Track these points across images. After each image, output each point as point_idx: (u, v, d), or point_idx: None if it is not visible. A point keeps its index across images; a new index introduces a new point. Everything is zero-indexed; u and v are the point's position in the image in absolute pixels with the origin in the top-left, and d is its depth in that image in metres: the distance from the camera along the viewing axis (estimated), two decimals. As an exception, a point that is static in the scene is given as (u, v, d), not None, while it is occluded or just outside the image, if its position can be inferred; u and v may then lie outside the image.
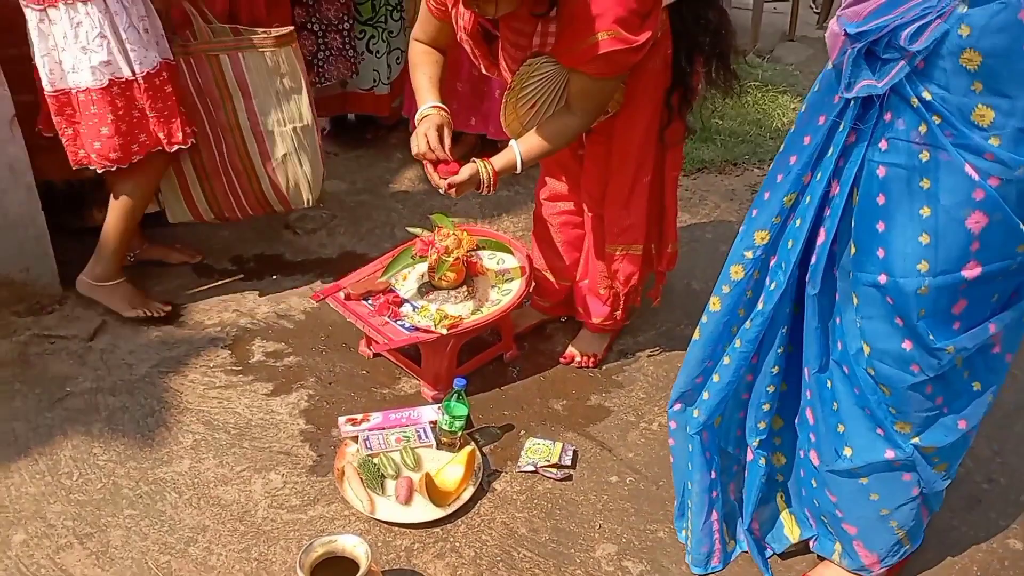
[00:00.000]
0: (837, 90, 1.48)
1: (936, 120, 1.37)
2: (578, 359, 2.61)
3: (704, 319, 1.82)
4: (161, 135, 2.41)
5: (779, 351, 1.72)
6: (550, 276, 2.63)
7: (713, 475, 1.89)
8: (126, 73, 2.31)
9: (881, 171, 1.46)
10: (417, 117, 2.20)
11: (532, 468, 2.23)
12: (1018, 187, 1.38)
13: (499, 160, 2.18)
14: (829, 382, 1.69)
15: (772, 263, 1.68)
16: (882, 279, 1.50)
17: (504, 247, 2.61)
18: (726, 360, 1.76)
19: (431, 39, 2.24)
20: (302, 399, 2.42)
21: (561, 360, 2.61)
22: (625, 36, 1.92)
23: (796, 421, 1.83)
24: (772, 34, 5.12)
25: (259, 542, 2.02)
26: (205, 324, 2.69)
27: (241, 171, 2.65)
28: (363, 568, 1.76)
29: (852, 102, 1.46)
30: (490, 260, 2.57)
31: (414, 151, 2.16)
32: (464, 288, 2.43)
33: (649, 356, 2.66)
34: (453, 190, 2.15)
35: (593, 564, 2.02)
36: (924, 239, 1.44)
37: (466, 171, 2.14)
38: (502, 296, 2.44)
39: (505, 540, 2.06)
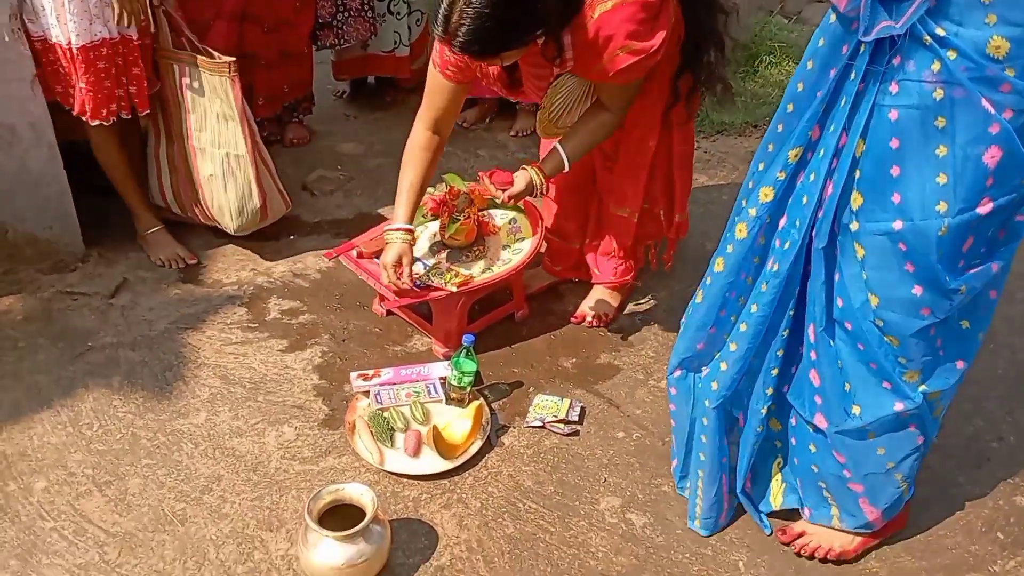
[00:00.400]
0: (845, 41, 1.47)
1: (951, 55, 1.36)
2: (589, 319, 2.62)
3: (708, 280, 1.81)
4: (87, 106, 2.48)
5: (790, 313, 1.71)
6: (561, 239, 2.64)
7: (726, 445, 1.90)
8: (60, 39, 2.39)
9: (893, 114, 1.44)
10: (386, 230, 2.28)
11: (540, 423, 2.26)
12: None
13: (548, 164, 2.27)
14: (831, 341, 1.68)
15: (782, 222, 1.66)
16: (897, 225, 1.49)
17: (516, 207, 2.61)
18: (743, 327, 1.74)
19: (438, 117, 2.26)
20: (316, 355, 2.47)
21: (572, 320, 2.63)
22: (640, 47, 1.97)
23: (787, 388, 1.82)
24: (799, -6, 5.01)
25: (271, 491, 2.07)
26: (223, 282, 2.74)
27: (187, 178, 2.72)
28: (369, 514, 1.80)
29: (862, 49, 1.44)
30: (502, 220, 2.59)
31: (384, 282, 2.29)
32: (475, 247, 2.45)
33: (661, 316, 2.67)
34: (512, 200, 2.26)
35: (597, 516, 2.05)
36: (942, 179, 1.43)
37: (520, 181, 2.25)
38: (513, 255, 2.46)
39: (511, 492, 2.09)
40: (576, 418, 2.28)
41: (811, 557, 1.94)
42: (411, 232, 2.26)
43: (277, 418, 2.27)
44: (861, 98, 1.48)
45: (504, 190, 2.25)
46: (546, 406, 2.29)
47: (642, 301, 2.72)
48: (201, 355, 2.45)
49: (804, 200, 1.60)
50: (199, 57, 2.57)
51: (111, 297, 2.64)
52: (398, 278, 2.24)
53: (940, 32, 1.36)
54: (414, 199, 2.28)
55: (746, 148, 3.59)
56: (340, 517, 1.85)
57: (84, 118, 2.49)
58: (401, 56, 3.56)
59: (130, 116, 2.59)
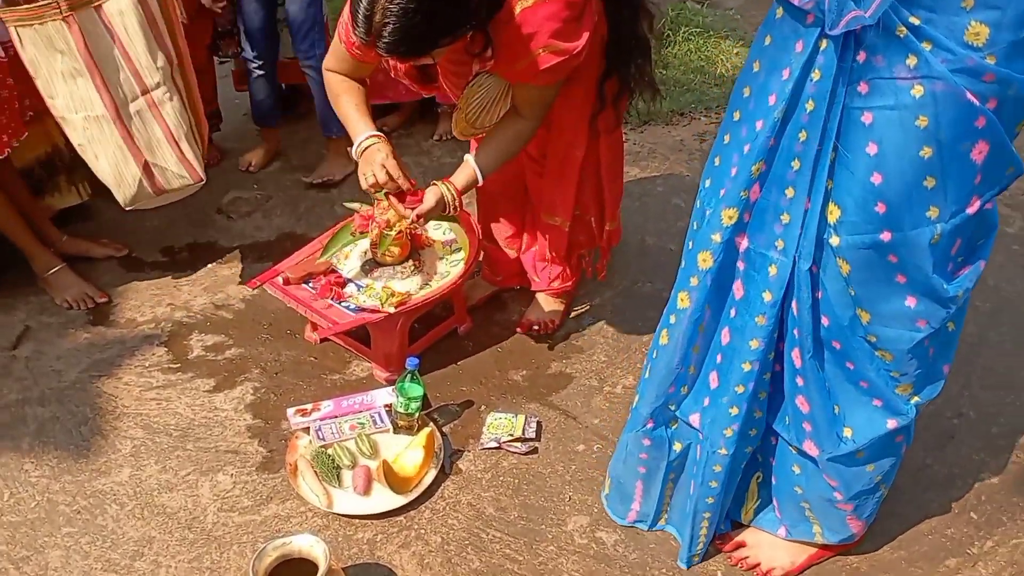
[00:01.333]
0: (798, 37, 1.37)
1: (927, 47, 1.25)
2: (535, 326, 2.51)
3: (672, 319, 1.69)
4: None
5: (775, 336, 1.60)
6: (499, 246, 2.52)
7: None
8: None
9: (867, 118, 1.34)
10: (357, 148, 2.07)
11: (495, 444, 2.13)
12: (1010, 107, 1.28)
13: (459, 179, 2.12)
14: (820, 366, 1.59)
15: (744, 243, 1.54)
16: (885, 237, 1.39)
17: (449, 216, 2.47)
18: (746, 366, 1.61)
19: (348, 73, 2.08)
20: (247, 393, 2.29)
21: (517, 329, 2.51)
22: (564, 47, 1.84)
23: (775, 417, 1.73)
24: (709, -21, 5.01)
25: (210, 549, 1.89)
26: (138, 321, 2.52)
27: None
28: (322, 568, 1.65)
29: (824, 45, 1.33)
30: (435, 231, 2.45)
31: (369, 182, 2.04)
32: (410, 262, 2.31)
33: (609, 316, 2.57)
34: (421, 219, 2.11)
35: (566, 538, 1.93)
36: (929, 183, 1.33)
37: (431, 197, 2.09)
38: (451, 267, 2.32)
39: (473, 522, 1.96)
40: (533, 434, 2.16)
41: (750, 569, 1.86)
42: (383, 137, 2.06)
43: (210, 466, 2.08)
44: (830, 101, 1.36)
45: (413, 208, 2.11)
46: (500, 425, 2.17)
47: (587, 303, 2.62)
48: (119, 404, 2.24)
49: (785, 219, 1.48)
50: (16, 10, 2.09)
51: (13, 348, 2.40)
52: (398, 175, 2.03)
53: (915, 21, 1.25)
54: (366, 112, 2.08)
55: (674, 137, 3.53)
56: (291, 573, 1.69)
57: None
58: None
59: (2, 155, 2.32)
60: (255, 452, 2.12)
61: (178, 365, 2.37)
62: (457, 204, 2.13)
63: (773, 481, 1.83)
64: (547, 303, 2.53)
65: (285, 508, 1.98)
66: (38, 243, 2.55)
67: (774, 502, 1.86)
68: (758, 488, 1.90)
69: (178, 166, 2.35)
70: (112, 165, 2.30)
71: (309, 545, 1.69)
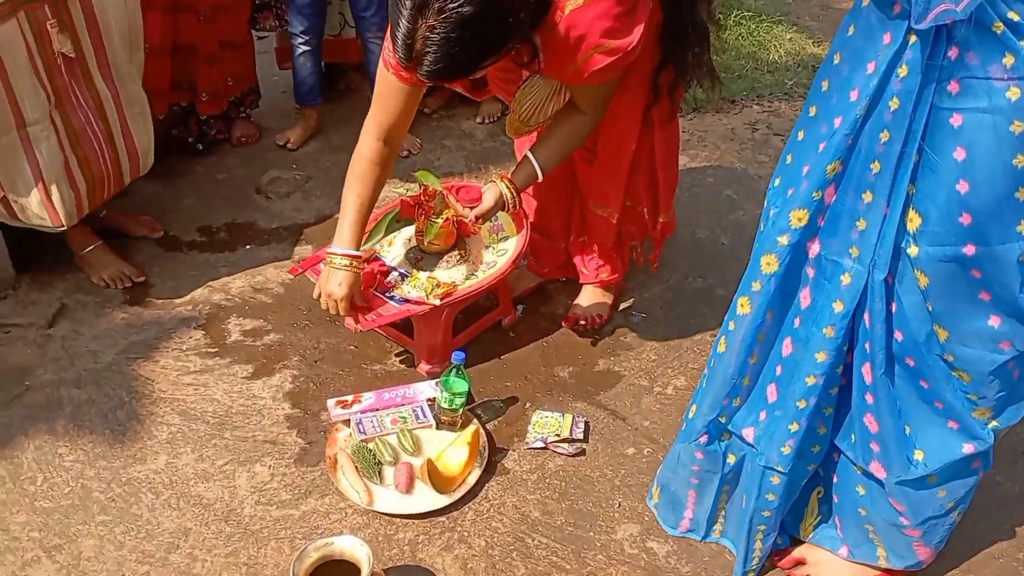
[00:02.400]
0: (886, 28, 1.26)
1: None
2: (582, 320, 2.42)
3: (730, 325, 1.59)
4: None
5: (844, 349, 1.50)
6: (546, 236, 2.43)
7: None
8: None
9: (956, 120, 1.23)
10: (329, 254, 2.01)
11: (541, 444, 2.05)
12: None
13: (519, 176, 2.05)
14: (892, 383, 1.48)
15: (815, 248, 1.44)
16: (968, 250, 1.28)
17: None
18: (810, 380, 1.51)
19: (392, 125, 1.98)
20: (286, 381, 2.22)
21: (564, 323, 2.42)
22: (616, 45, 1.74)
23: (838, 433, 1.63)
24: (761, -39, 4.84)
25: (247, 544, 1.83)
26: (175, 303, 2.46)
27: None
28: (365, 573, 1.58)
29: (913, 39, 1.22)
30: (482, 218, 2.36)
31: (322, 306, 2.04)
32: (456, 251, 2.23)
33: (659, 313, 2.48)
34: (480, 220, 2.05)
35: (615, 547, 1.85)
36: (1022, 195, 1.23)
37: (489, 197, 2.03)
38: (498, 257, 2.24)
39: (518, 526, 1.89)
40: (581, 435, 2.08)
41: None
42: (359, 259, 2.01)
43: (248, 456, 2.02)
44: (916, 99, 1.26)
45: (472, 207, 2.03)
46: (546, 424, 2.09)
47: (636, 298, 2.52)
48: (156, 388, 2.18)
49: (861, 225, 1.37)
50: None
51: (49, 327, 2.35)
52: (337, 310, 2.02)
53: (1014, 17, 1.15)
54: (362, 220, 2.02)
55: (725, 125, 3.40)
56: (330, 573, 1.63)
57: None
58: (348, 38, 3.28)
59: None
60: (294, 443, 2.06)
61: (216, 349, 2.31)
62: (517, 202, 2.05)
63: (835, 499, 1.73)
64: (594, 296, 2.44)
65: (324, 503, 1.92)
66: None
67: (835, 519, 1.76)
68: (818, 503, 1.80)
69: (40, 207, 2.19)
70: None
71: (352, 548, 1.62)
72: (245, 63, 3.07)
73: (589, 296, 2.45)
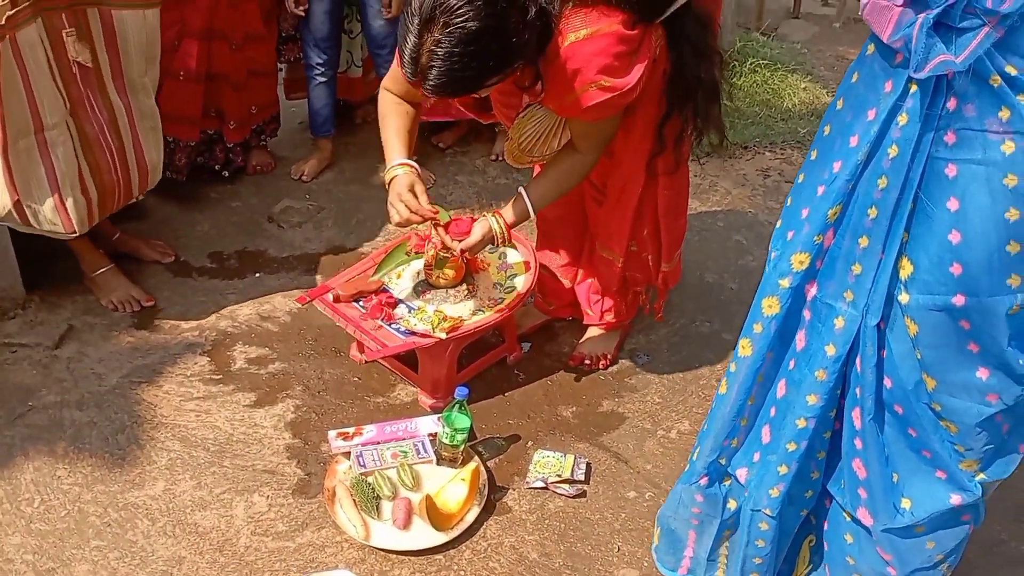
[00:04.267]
0: (887, 76, 1.27)
1: (1023, 100, 1.16)
2: (587, 360, 2.41)
3: (732, 367, 1.58)
4: None
5: (837, 393, 1.50)
6: (554, 274, 2.43)
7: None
8: None
9: (951, 170, 1.23)
10: (385, 177, 2.01)
11: (542, 484, 2.03)
12: None
13: (510, 212, 2.04)
14: (881, 430, 1.47)
15: (812, 291, 1.44)
16: (958, 301, 1.28)
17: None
18: (800, 423, 1.50)
19: (403, 94, 2.01)
20: (288, 410, 2.21)
21: (569, 362, 2.42)
22: (613, 84, 1.75)
23: (824, 473, 1.61)
24: (776, 11, 4.90)
25: (241, 574, 1.81)
26: (182, 328, 2.47)
27: None
28: (358, 609, 1.56)
29: (914, 88, 1.23)
30: (491, 254, 2.36)
31: (394, 221, 1.98)
32: (464, 286, 2.23)
33: (664, 356, 2.47)
34: (467, 253, 2.06)
35: (613, 592, 1.83)
36: (1013, 248, 1.22)
37: (478, 231, 2.03)
38: (505, 294, 2.24)
39: (515, 567, 1.86)
40: (582, 477, 2.06)
41: None
42: (414, 165, 1.98)
43: (246, 486, 2.01)
44: (915, 147, 1.26)
45: (460, 240, 2.03)
46: (548, 463, 2.07)
47: (642, 340, 2.51)
48: (158, 413, 2.18)
49: (856, 269, 1.37)
50: None
51: (55, 348, 2.36)
52: (417, 207, 1.95)
53: (1011, 71, 1.16)
54: (406, 140, 2.00)
55: (737, 171, 3.42)
56: (323, 608, 1.61)
57: None
58: (353, 77, 3.33)
59: None
60: (292, 474, 2.05)
61: (220, 376, 2.31)
62: (505, 238, 2.04)
63: (825, 547, 1.71)
64: (600, 338, 2.44)
65: (320, 536, 1.90)
66: (88, 242, 2.51)
67: (825, 568, 1.73)
68: (810, 553, 1.77)
69: (53, 213, 2.20)
70: None
71: (346, 583, 1.60)
72: (269, 91, 3.11)
73: (595, 337, 2.44)
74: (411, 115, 2.03)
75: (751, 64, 4.07)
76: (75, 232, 2.26)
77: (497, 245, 2.07)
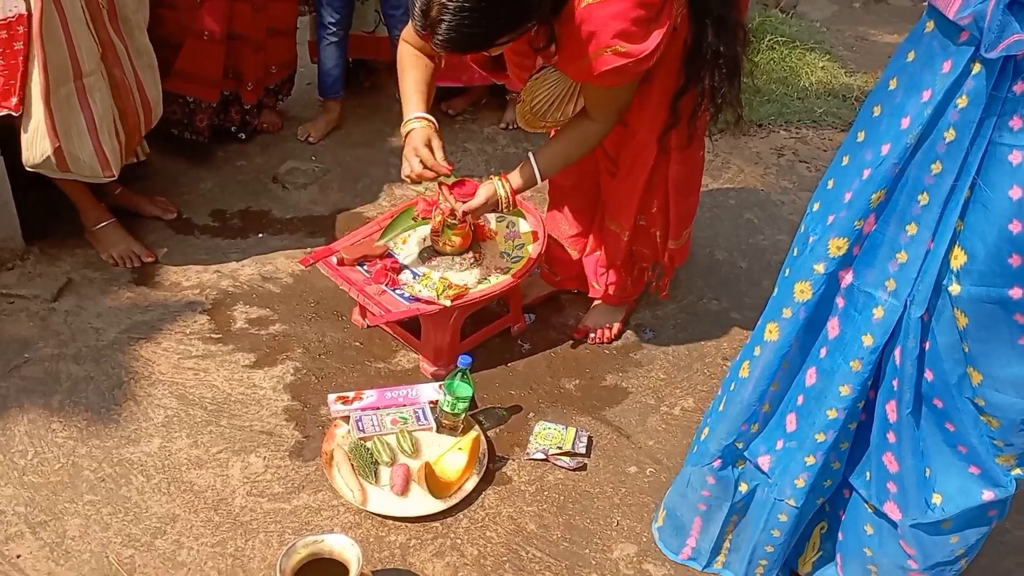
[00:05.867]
0: (947, 56, 1.21)
1: None
2: (592, 334, 2.37)
3: (756, 351, 1.53)
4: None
5: (868, 384, 1.45)
6: (562, 245, 2.39)
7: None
8: None
9: (1016, 157, 1.17)
10: (402, 129, 1.96)
11: (542, 455, 2.01)
12: None
13: (517, 177, 1.99)
14: (918, 424, 1.43)
15: (848, 278, 1.39)
16: (1015, 293, 1.23)
17: (516, 209, 2.35)
18: (832, 413, 1.46)
19: (421, 47, 1.95)
20: (287, 372, 2.18)
21: (574, 335, 2.38)
22: (629, 50, 1.69)
23: (852, 469, 1.58)
24: (795, -12, 4.82)
25: (236, 535, 1.79)
26: (182, 286, 2.43)
27: None
28: (353, 573, 1.54)
29: (977, 69, 1.17)
30: (499, 223, 2.32)
31: (406, 172, 1.93)
32: (470, 254, 2.19)
33: (670, 332, 2.43)
34: (469, 216, 2.01)
35: (610, 566, 1.80)
36: None
37: (482, 194, 1.98)
38: (512, 263, 2.20)
39: (512, 537, 1.84)
40: (583, 450, 2.03)
41: None
42: (431, 119, 1.94)
43: (243, 446, 1.98)
44: (975, 132, 1.20)
45: (464, 201, 1.99)
46: (549, 435, 2.04)
47: (648, 314, 2.48)
48: (156, 370, 2.15)
49: (902, 258, 1.32)
50: None
51: (53, 301, 2.32)
52: (433, 163, 1.91)
53: None
54: (424, 93, 1.96)
55: (751, 149, 3.36)
56: (318, 571, 1.58)
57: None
58: (382, 36, 3.26)
59: None
60: (290, 436, 2.02)
61: (219, 336, 2.28)
62: (510, 203, 2.00)
63: (840, 536, 1.68)
64: (606, 311, 2.40)
65: (316, 499, 1.88)
66: (90, 195, 2.47)
67: (837, 557, 1.71)
68: (821, 539, 1.74)
69: (92, 158, 2.22)
70: (33, 132, 2.15)
71: (342, 547, 1.58)
72: (288, 50, 3.06)
73: (601, 310, 2.40)
74: (429, 68, 1.98)
75: (769, 41, 4.00)
76: (113, 176, 2.30)
77: (501, 210, 2.03)
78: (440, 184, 2.00)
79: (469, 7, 1.56)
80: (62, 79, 2.12)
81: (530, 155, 1.99)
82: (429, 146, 1.91)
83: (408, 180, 1.94)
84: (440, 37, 1.61)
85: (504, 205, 2.01)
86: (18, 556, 1.71)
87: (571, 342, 2.36)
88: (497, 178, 2.00)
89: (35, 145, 2.16)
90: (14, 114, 2.11)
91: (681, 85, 1.91)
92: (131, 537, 1.77)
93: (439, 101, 3.30)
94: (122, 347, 2.21)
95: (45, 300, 2.32)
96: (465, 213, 2.00)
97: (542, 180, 2.01)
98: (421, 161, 1.90)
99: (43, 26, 2.03)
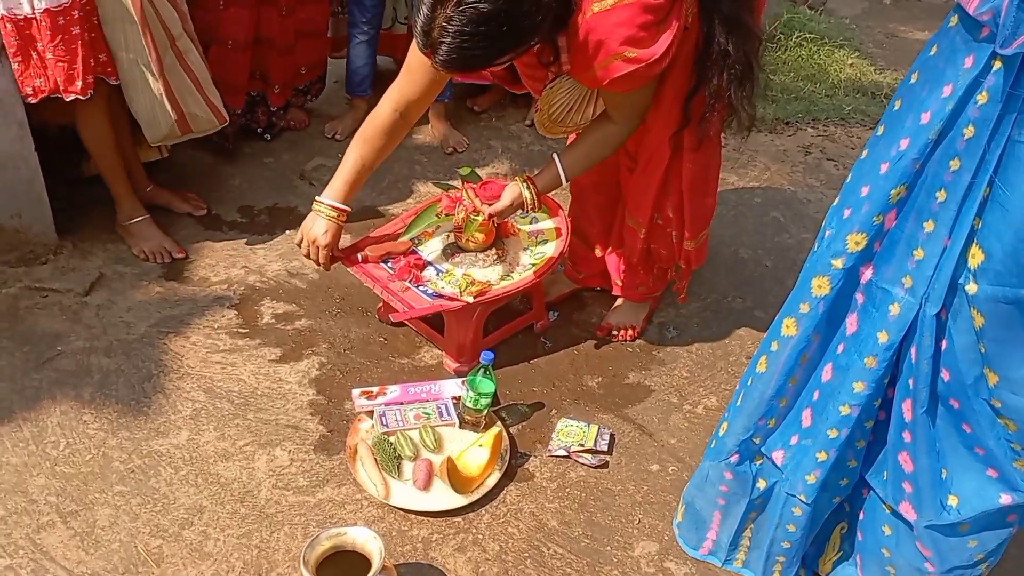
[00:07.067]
0: (969, 51, 1.20)
1: None
2: (615, 331, 2.37)
3: (773, 346, 1.53)
4: (59, 80, 2.17)
5: (884, 381, 1.45)
6: (585, 242, 2.39)
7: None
8: (25, 10, 2.09)
9: None
10: (315, 204, 2.08)
11: (564, 452, 2.01)
12: None
13: (542, 179, 2.03)
14: (933, 423, 1.42)
15: (867, 274, 1.39)
16: None
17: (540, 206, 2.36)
18: (845, 409, 1.46)
19: (412, 100, 1.98)
20: (313, 367, 2.21)
21: (597, 332, 2.38)
22: (639, 55, 1.69)
23: (869, 468, 1.57)
24: (825, -15, 4.78)
25: (261, 527, 1.82)
26: (211, 281, 2.47)
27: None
28: (375, 566, 1.55)
29: (997, 65, 1.16)
30: (522, 220, 2.33)
31: (299, 248, 2.13)
32: (493, 251, 2.20)
33: (694, 330, 2.43)
34: (494, 219, 2.06)
35: (631, 564, 1.81)
36: None
37: (507, 196, 2.02)
38: (535, 260, 2.20)
39: (534, 534, 1.85)
40: (605, 447, 2.04)
41: None
42: (344, 213, 2.06)
43: (269, 439, 2.01)
44: (993, 129, 1.19)
45: (490, 204, 2.01)
46: (571, 432, 2.05)
47: (672, 312, 2.47)
48: (184, 364, 2.19)
49: (918, 254, 1.31)
50: None
51: (85, 295, 2.37)
52: (317, 257, 2.08)
53: None
54: (357, 179, 2.06)
55: (777, 146, 3.34)
56: (341, 563, 1.60)
57: (60, 95, 2.20)
58: (398, 35, 3.28)
59: (111, 82, 2.29)
60: (315, 430, 2.04)
61: (246, 330, 2.31)
62: (535, 204, 2.03)
63: (859, 536, 1.67)
64: (629, 309, 2.40)
65: (340, 493, 1.90)
66: (130, 189, 2.51)
67: (856, 558, 1.70)
68: (840, 539, 1.73)
69: (207, 112, 2.47)
70: (148, 108, 2.34)
71: (364, 540, 1.60)
72: (319, 51, 3.09)
73: (624, 308, 2.40)
74: (384, 152, 2.07)
75: (797, 38, 3.98)
76: (226, 121, 2.55)
77: (527, 211, 2.05)
78: (465, 188, 2.02)
79: (469, 32, 1.58)
80: (163, 48, 2.30)
81: (554, 156, 2.00)
82: (330, 245, 2.07)
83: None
84: (441, 58, 1.64)
85: (529, 207, 2.03)
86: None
87: (594, 340, 2.37)
88: (521, 180, 2.01)
89: (158, 119, 2.34)
90: (81, 98, 2.20)
91: (692, 86, 1.90)
92: (159, 527, 1.80)
93: (465, 97, 3.32)
94: (152, 341, 2.24)
95: (77, 294, 2.36)
96: (491, 216, 2.02)
97: (567, 181, 2.02)
98: (308, 253, 2.09)
99: (141, 5, 2.19)
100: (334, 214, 2.05)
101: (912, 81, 1.32)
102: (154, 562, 1.73)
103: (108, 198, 2.53)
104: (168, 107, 2.32)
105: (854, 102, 3.61)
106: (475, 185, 2.06)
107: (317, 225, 2.06)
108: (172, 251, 2.53)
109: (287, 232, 2.69)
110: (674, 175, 2.08)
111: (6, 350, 2.17)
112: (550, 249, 2.22)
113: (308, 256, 2.10)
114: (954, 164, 1.25)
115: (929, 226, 1.30)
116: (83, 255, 2.50)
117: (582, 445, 2.02)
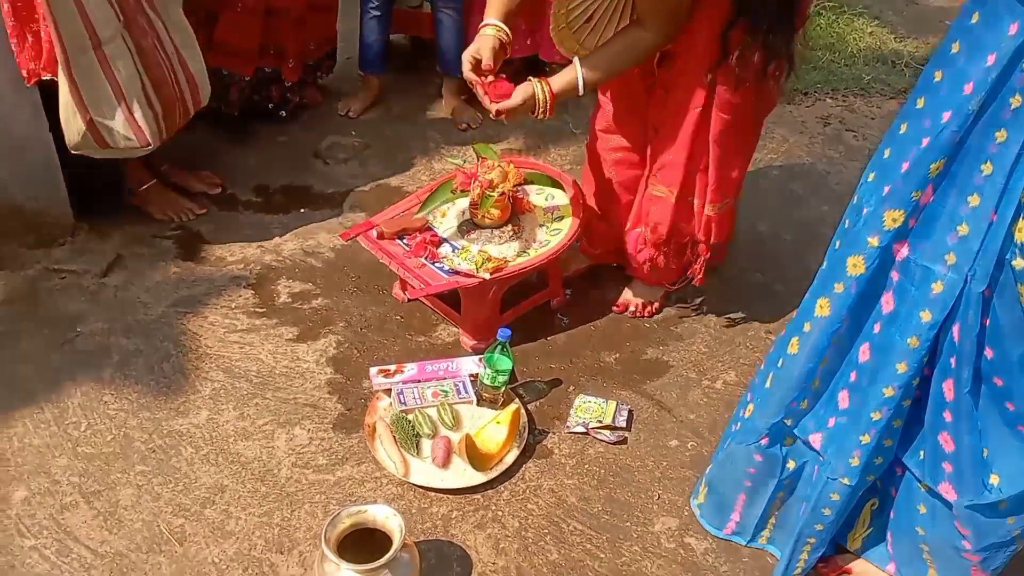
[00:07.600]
0: (1012, 18, 1.15)
1: None
2: (632, 308, 2.36)
3: (805, 327, 1.50)
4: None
5: (924, 361, 1.42)
6: (602, 218, 2.36)
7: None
8: None
9: None
10: (481, 27, 1.93)
11: (583, 429, 2.01)
12: None
13: (558, 80, 1.91)
14: (976, 403, 1.40)
15: (903, 251, 1.35)
16: None
17: (554, 182, 2.34)
18: (888, 391, 1.43)
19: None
20: (330, 346, 2.21)
21: (614, 308, 2.37)
22: None
23: (905, 448, 1.55)
24: (844, -49, 4.68)
25: (282, 505, 1.83)
26: (227, 260, 2.47)
27: None
28: (396, 543, 1.56)
29: None
30: (538, 196, 2.31)
31: (465, 72, 1.91)
32: (509, 227, 2.18)
33: (712, 304, 2.41)
34: (502, 116, 1.92)
35: (651, 539, 1.81)
36: None
37: (519, 93, 1.90)
38: (551, 236, 2.19)
39: (553, 510, 1.85)
40: (623, 423, 2.03)
41: None
42: (505, 30, 1.90)
43: (288, 418, 2.02)
44: None
45: (498, 101, 1.90)
46: (589, 409, 2.04)
47: (690, 288, 2.44)
48: (203, 344, 2.19)
49: (962, 230, 1.28)
50: None
51: (103, 276, 2.38)
52: (467, 72, 1.92)
53: None
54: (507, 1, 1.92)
55: (795, 117, 3.30)
56: (361, 541, 1.61)
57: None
58: (426, 12, 3.25)
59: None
60: (333, 408, 2.05)
61: (263, 310, 2.31)
62: (548, 108, 1.91)
63: (891, 515, 1.65)
64: (646, 286, 2.38)
65: (360, 471, 1.91)
66: (139, 159, 2.48)
67: (887, 535, 1.68)
68: (871, 516, 1.72)
69: (125, 127, 2.20)
70: (64, 109, 2.16)
71: (385, 517, 1.60)
72: (329, 26, 3.06)
73: (641, 284, 2.38)
74: None
75: (816, 6, 3.90)
76: (149, 144, 2.25)
77: (538, 115, 1.94)
78: (474, 80, 1.93)
79: None
80: (80, 48, 2.09)
81: (576, 59, 1.91)
82: (493, 51, 1.88)
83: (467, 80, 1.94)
84: None
85: (541, 110, 1.92)
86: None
87: (611, 316, 2.35)
88: (537, 79, 1.92)
89: (71, 123, 2.17)
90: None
91: (730, 18, 1.83)
92: (181, 507, 1.81)
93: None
94: (170, 321, 2.25)
95: (95, 275, 2.37)
96: (499, 112, 1.92)
97: (585, 88, 1.91)
98: (468, 64, 1.89)
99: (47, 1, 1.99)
100: (493, 29, 1.89)
101: (952, 51, 1.27)
102: (177, 541, 1.75)
103: (123, 180, 2.53)
104: (77, 112, 2.14)
105: (874, 71, 3.54)
106: (486, 82, 1.93)
107: (478, 41, 1.91)
108: (194, 208, 2.57)
109: (302, 210, 2.68)
110: (701, 130, 1.99)
111: (26, 332, 2.19)
112: (566, 225, 2.20)
113: (467, 77, 1.94)
114: (1000, 135, 1.21)
115: (974, 200, 1.27)
116: (100, 236, 2.50)
117: (600, 421, 2.01)
